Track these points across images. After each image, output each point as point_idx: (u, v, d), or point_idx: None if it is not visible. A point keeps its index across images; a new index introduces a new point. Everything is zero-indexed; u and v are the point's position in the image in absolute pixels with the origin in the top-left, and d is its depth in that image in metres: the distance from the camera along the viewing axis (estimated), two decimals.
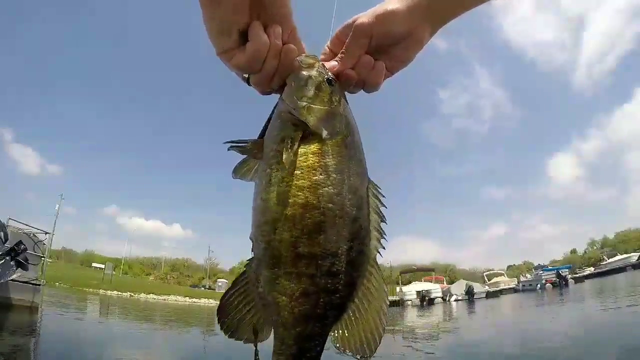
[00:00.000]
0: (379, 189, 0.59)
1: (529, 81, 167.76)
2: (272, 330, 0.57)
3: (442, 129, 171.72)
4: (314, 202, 0.51)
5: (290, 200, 0.51)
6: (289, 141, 0.53)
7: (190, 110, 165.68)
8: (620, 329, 7.57)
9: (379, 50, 0.61)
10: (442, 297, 37.29)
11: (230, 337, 0.59)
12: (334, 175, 0.53)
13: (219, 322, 0.58)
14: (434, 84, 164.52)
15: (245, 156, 0.61)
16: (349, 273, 0.53)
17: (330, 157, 0.54)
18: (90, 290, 33.73)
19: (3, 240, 10.60)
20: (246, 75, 0.57)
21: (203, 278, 77.74)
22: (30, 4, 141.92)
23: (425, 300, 35.86)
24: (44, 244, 13.60)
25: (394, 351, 7.71)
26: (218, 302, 0.58)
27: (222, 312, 0.58)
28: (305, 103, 0.55)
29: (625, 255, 40.92)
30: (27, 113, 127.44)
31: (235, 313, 0.57)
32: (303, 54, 0.58)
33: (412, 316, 21.44)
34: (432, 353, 7.96)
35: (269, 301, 0.54)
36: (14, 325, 9.56)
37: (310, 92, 0.55)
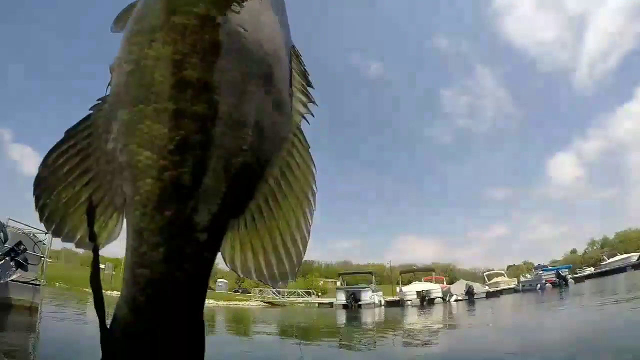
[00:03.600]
0: (300, 56, 0.44)
1: (530, 80, 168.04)
2: (124, 219, 0.36)
3: (443, 128, 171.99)
4: (215, 15, 0.32)
5: (184, 9, 0.33)
6: None
7: None
8: (620, 329, 7.56)
9: None
10: (442, 297, 37.25)
11: (49, 229, 0.36)
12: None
13: (35, 201, 0.35)
14: (436, 84, 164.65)
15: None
16: (260, 133, 0.33)
17: None
18: (91, 290, 33.71)
19: (3, 240, 10.59)
20: None
21: None
22: (31, 3, 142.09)
23: (425, 301, 35.83)
24: (44, 244, 13.55)
25: (394, 351, 7.69)
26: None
27: (42, 182, 0.35)
28: None
29: (625, 255, 40.92)
30: (27, 113, 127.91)
31: (64, 188, 0.35)
32: None
33: (412, 316, 21.45)
34: (433, 352, 7.95)
35: (121, 163, 0.32)
36: (13, 325, 9.55)
37: None
